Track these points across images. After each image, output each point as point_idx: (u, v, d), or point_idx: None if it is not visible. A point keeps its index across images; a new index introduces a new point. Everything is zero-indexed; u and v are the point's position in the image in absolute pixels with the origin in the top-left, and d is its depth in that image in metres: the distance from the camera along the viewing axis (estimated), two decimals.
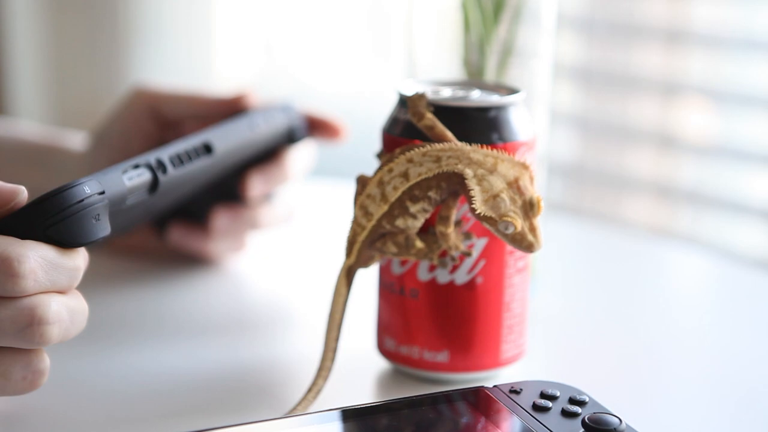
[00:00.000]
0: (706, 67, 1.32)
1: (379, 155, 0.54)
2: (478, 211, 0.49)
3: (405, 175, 0.50)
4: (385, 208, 0.51)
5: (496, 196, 0.49)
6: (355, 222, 0.52)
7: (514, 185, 0.49)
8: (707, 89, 1.34)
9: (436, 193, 0.50)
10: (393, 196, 0.50)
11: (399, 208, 0.51)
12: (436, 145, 0.50)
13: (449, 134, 0.51)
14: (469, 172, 0.49)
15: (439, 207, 0.51)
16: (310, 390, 0.51)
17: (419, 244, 0.51)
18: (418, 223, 0.51)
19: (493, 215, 0.49)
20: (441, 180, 0.50)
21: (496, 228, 0.49)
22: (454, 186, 0.50)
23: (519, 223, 0.48)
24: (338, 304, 0.52)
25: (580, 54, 1.43)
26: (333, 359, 0.52)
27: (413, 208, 0.50)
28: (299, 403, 0.50)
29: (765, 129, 1.29)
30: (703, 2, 1.31)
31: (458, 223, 0.52)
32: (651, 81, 1.37)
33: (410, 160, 0.50)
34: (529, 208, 0.49)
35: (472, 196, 0.49)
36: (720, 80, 1.31)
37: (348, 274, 0.53)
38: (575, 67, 1.44)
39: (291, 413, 0.49)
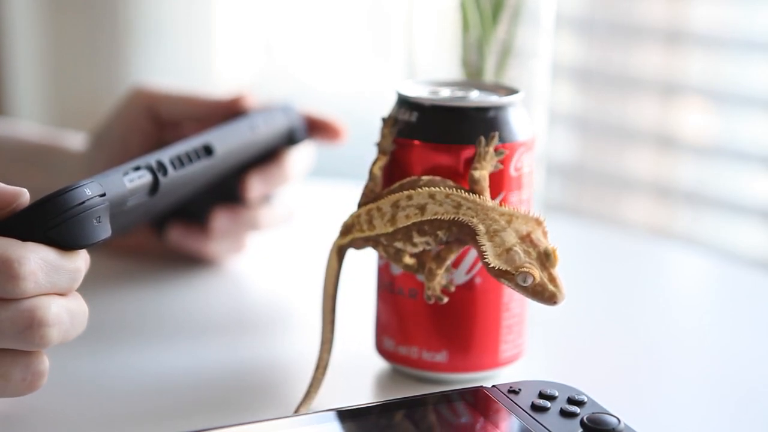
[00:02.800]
0: (705, 67, 1.32)
1: (378, 144, 0.54)
2: (491, 265, 0.48)
3: (422, 209, 0.50)
4: (390, 230, 0.51)
5: (509, 250, 0.48)
6: (357, 218, 0.52)
7: (527, 239, 0.48)
8: (707, 90, 1.34)
9: (445, 234, 0.50)
10: (402, 223, 0.50)
11: (403, 234, 0.51)
12: (462, 192, 0.50)
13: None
14: (481, 228, 0.49)
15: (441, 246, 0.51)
16: (317, 367, 0.52)
17: (408, 260, 0.52)
18: (416, 250, 0.51)
19: (509, 268, 0.48)
20: (453, 225, 0.50)
21: (514, 282, 0.48)
22: (464, 235, 0.50)
23: (537, 273, 0.47)
24: (330, 277, 0.53)
25: (580, 54, 1.43)
26: (332, 331, 0.53)
27: (417, 239, 0.51)
28: (310, 384, 0.51)
29: (764, 129, 1.29)
30: (703, 2, 1.31)
31: (449, 269, 0.52)
32: (650, 81, 1.37)
33: (432, 197, 0.50)
34: (545, 259, 0.48)
35: (484, 251, 0.48)
36: (719, 81, 1.31)
37: (339, 251, 0.53)
38: (574, 67, 1.44)
39: (305, 398, 0.50)
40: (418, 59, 0.64)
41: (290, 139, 0.67)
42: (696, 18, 1.32)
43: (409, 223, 0.50)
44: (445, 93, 0.55)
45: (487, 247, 0.48)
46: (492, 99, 0.53)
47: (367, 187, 0.53)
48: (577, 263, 0.78)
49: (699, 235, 1.34)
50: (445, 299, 0.51)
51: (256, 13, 1.60)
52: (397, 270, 0.54)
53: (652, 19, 1.36)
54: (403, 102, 0.54)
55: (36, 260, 0.45)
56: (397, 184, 0.52)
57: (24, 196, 0.46)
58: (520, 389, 0.48)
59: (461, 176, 0.52)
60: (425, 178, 0.51)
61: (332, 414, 0.46)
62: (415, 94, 0.53)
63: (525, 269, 0.47)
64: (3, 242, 0.45)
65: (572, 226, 0.88)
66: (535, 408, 0.46)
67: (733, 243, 1.32)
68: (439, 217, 0.49)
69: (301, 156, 0.70)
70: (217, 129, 0.60)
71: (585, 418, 0.45)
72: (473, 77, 0.63)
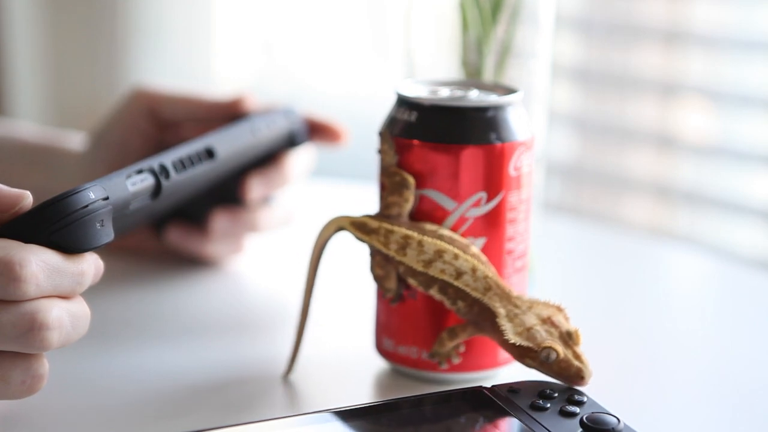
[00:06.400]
0: (704, 67, 1.32)
1: (380, 151, 0.54)
2: (512, 341, 0.48)
3: (458, 275, 0.50)
4: (419, 269, 0.50)
5: (529, 329, 0.48)
6: (387, 234, 0.52)
7: (548, 321, 0.49)
8: (706, 89, 1.34)
9: (464, 308, 0.50)
10: (433, 273, 0.50)
11: (425, 280, 0.51)
12: (497, 278, 0.50)
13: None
14: (502, 312, 0.49)
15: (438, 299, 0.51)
16: (302, 311, 0.54)
17: (378, 271, 0.53)
18: (422, 292, 0.52)
19: (531, 344, 0.48)
20: (476, 303, 0.50)
21: (537, 361, 0.48)
22: (482, 319, 0.50)
23: (561, 349, 0.47)
24: (322, 241, 0.54)
25: (579, 54, 1.43)
26: (315, 278, 0.54)
27: (433, 291, 0.51)
28: (298, 329, 0.54)
29: (764, 129, 1.29)
30: (702, 2, 1.31)
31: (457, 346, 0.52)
32: (650, 81, 1.37)
33: (474, 270, 0.50)
34: (568, 338, 0.48)
35: (504, 331, 0.48)
36: (719, 81, 1.31)
37: (337, 228, 0.54)
38: (574, 67, 1.44)
39: (295, 344, 0.54)
40: (418, 59, 0.64)
41: (291, 142, 0.67)
42: (695, 18, 1.32)
43: (439, 277, 0.50)
44: (445, 93, 0.55)
45: (507, 327, 0.48)
46: (491, 99, 0.53)
47: (395, 202, 0.52)
48: (575, 263, 0.78)
49: (699, 235, 1.34)
50: (457, 360, 0.52)
51: (256, 13, 1.60)
52: None
53: (651, 19, 1.36)
54: (403, 102, 0.54)
55: (38, 263, 0.44)
56: (447, 234, 0.51)
57: (27, 198, 0.46)
58: (519, 389, 0.48)
59: (458, 176, 0.52)
60: (474, 249, 0.51)
61: (332, 414, 0.46)
62: (415, 94, 0.53)
63: (548, 344, 0.47)
64: (5, 244, 0.44)
65: (572, 226, 0.88)
66: (535, 408, 0.46)
67: (732, 243, 1.32)
68: (468, 291, 0.50)
69: (302, 158, 0.70)
70: (219, 132, 0.60)
71: (584, 418, 0.45)
72: (472, 77, 0.63)
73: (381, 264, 0.52)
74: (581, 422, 0.45)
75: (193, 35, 1.60)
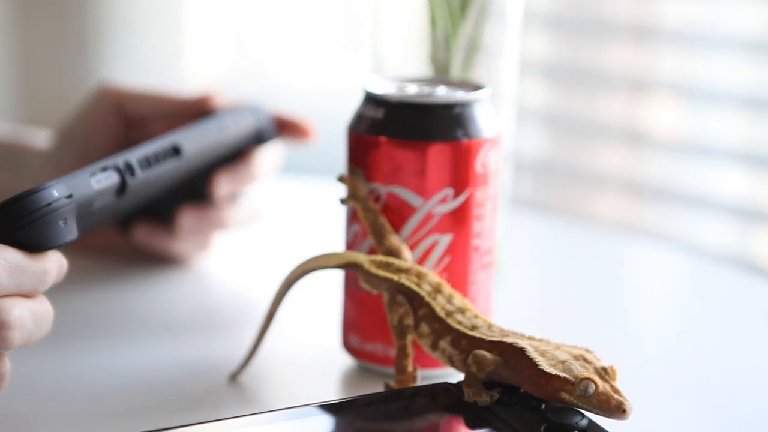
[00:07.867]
0: (674, 64, 1.33)
1: (342, 179, 0.54)
2: (547, 370, 0.45)
3: (474, 328, 0.48)
4: (441, 315, 0.49)
5: (563, 362, 0.45)
6: (407, 270, 0.50)
7: (580, 358, 0.46)
8: (676, 86, 1.35)
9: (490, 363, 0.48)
10: (449, 322, 0.49)
11: (440, 329, 0.49)
12: (515, 330, 0.48)
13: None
14: (530, 348, 0.46)
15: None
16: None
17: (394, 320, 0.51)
18: (427, 348, 0.50)
19: (568, 376, 0.45)
20: (494, 347, 0.47)
21: (574, 395, 0.45)
22: (508, 358, 0.47)
23: (599, 382, 0.45)
24: (296, 274, 0.53)
25: (549, 50, 1.44)
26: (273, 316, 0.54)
27: (444, 345, 0.49)
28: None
29: (733, 125, 1.30)
30: None
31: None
32: (619, 77, 1.38)
33: (490, 326, 0.48)
34: (604, 373, 0.45)
35: (537, 362, 0.45)
36: (688, 77, 1.32)
37: (343, 265, 0.52)
38: (543, 63, 1.44)
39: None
40: (386, 55, 0.64)
41: (259, 139, 0.66)
42: (665, 15, 1.32)
43: (454, 327, 0.49)
44: (412, 89, 0.54)
45: (540, 360, 0.46)
46: (458, 95, 0.53)
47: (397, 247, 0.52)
48: (545, 259, 0.78)
49: (667, 231, 1.35)
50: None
51: (226, 10, 1.60)
52: None
53: (621, 15, 1.36)
54: (370, 98, 0.53)
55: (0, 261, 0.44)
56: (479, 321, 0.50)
57: None
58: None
59: (424, 173, 0.52)
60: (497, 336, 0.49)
61: (298, 411, 0.46)
62: (382, 91, 0.53)
63: (586, 376, 0.44)
64: None
65: (541, 222, 0.88)
66: (500, 402, 0.46)
67: (701, 239, 1.33)
68: (484, 338, 0.48)
69: (269, 155, 0.70)
70: (185, 129, 0.60)
71: (549, 413, 0.45)
72: (441, 73, 0.63)
73: (373, 284, 0.51)
74: (545, 417, 0.45)
75: (163, 32, 1.59)
